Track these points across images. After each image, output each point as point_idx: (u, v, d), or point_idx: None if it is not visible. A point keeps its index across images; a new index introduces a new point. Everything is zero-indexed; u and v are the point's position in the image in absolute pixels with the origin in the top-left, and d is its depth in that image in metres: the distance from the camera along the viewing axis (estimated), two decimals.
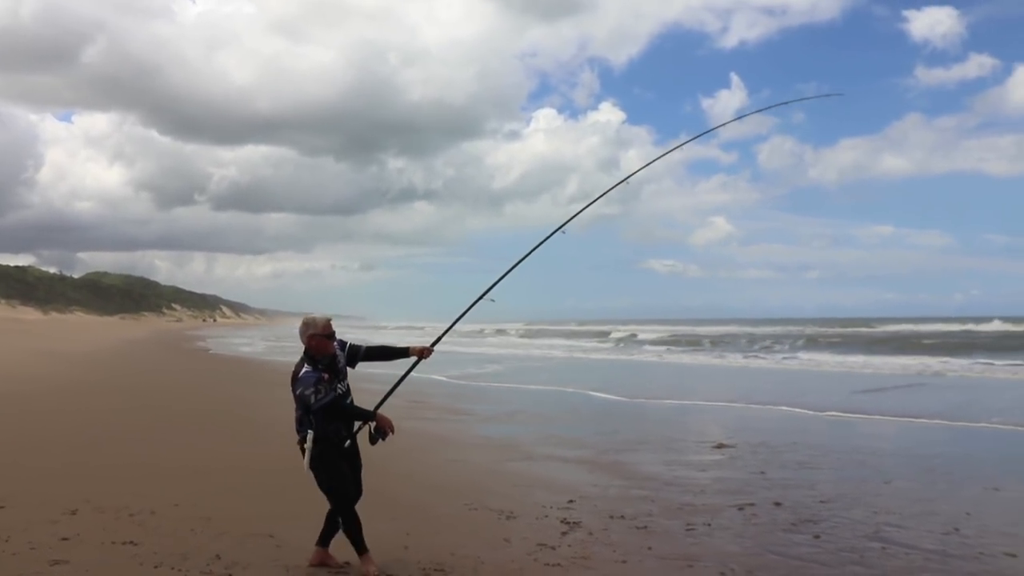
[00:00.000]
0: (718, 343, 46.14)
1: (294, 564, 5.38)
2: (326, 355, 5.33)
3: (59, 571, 4.94)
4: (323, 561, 5.44)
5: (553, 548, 6.06)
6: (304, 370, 5.24)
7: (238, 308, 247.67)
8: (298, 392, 5.23)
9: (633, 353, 40.93)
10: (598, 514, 7.21)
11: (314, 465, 5.21)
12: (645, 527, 6.80)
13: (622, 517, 7.11)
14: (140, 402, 15.16)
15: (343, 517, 5.28)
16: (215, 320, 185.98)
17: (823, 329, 58.90)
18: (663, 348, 43.76)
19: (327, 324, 5.37)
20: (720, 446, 11.19)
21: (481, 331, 69.73)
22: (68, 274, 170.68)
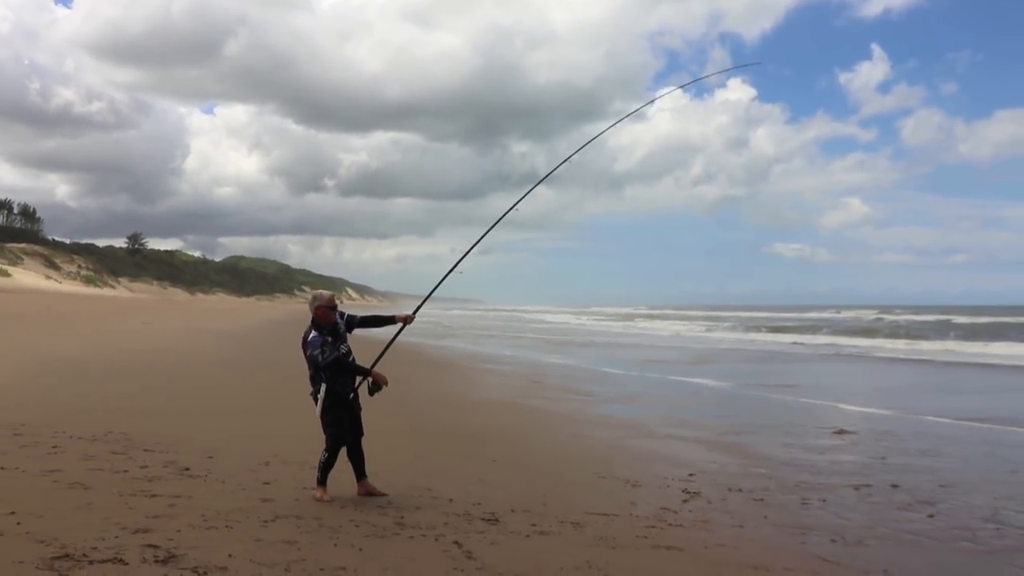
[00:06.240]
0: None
1: (454, 512, 6.28)
2: (329, 323, 6.51)
3: (269, 507, 6.07)
4: (369, 491, 6.60)
5: (675, 512, 6.74)
6: (312, 335, 6.48)
7: (362, 290, 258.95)
8: (308, 353, 6.47)
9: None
10: (717, 487, 7.80)
11: (323, 412, 6.45)
12: (762, 499, 7.35)
13: (740, 490, 7.68)
14: (295, 376, 16.78)
15: (329, 454, 6.45)
16: (341, 302, 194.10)
17: (972, 319, 54.56)
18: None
19: (331, 298, 6.69)
20: (840, 432, 11.40)
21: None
22: (210, 258, 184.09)
